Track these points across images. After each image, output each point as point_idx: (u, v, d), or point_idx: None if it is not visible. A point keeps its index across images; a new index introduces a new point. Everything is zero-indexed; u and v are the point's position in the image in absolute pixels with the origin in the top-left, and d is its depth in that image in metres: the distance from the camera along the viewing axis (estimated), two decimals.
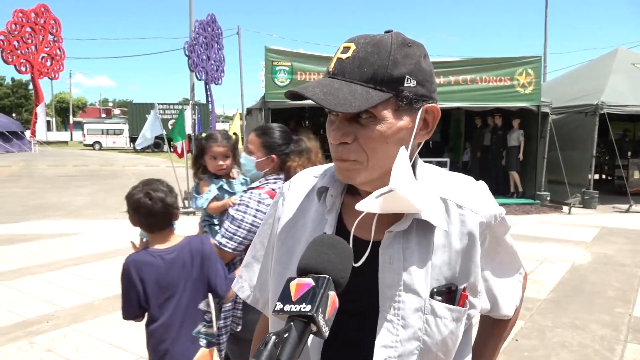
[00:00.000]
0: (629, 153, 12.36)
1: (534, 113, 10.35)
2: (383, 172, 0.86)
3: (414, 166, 0.94)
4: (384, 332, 0.86)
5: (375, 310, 0.88)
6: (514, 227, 8.30)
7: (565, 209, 10.20)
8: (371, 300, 0.89)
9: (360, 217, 0.88)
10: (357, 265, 0.86)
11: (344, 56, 0.85)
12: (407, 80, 0.84)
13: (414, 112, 0.86)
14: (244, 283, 1.12)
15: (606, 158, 14.54)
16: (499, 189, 11.38)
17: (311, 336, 0.86)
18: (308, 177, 1.04)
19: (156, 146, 32.21)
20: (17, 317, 4.18)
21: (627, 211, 10.20)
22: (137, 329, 3.93)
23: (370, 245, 0.89)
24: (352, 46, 0.85)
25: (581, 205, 10.59)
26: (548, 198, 10.65)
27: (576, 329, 4.09)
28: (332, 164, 0.97)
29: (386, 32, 0.88)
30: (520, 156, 10.73)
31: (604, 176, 15.30)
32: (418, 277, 0.87)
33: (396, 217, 0.90)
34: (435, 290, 0.88)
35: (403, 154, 0.85)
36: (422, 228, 0.89)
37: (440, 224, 0.89)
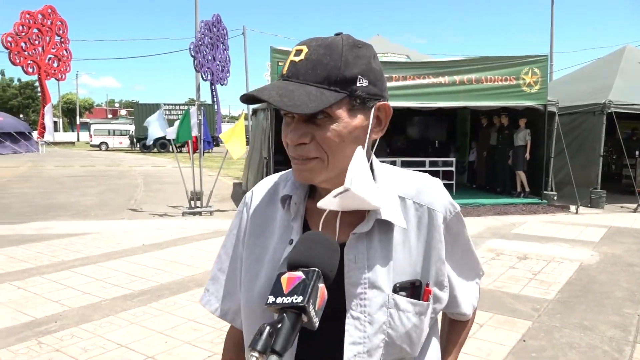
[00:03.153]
0: (637, 152, 12.27)
1: (541, 112, 10.30)
2: (341, 170, 0.88)
3: (371, 165, 0.97)
4: (352, 330, 0.90)
5: (339, 310, 0.91)
6: (521, 227, 8.33)
7: (573, 208, 10.14)
8: (336, 300, 0.90)
9: (323, 217, 0.91)
10: None
11: (297, 59, 0.87)
12: (360, 80, 0.86)
13: (367, 110, 0.89)
14: (211, 296, 1.11)
15: (614, 157, 14.44)
16: (506, 188, 11.35)
17: None
18: (269, 185, 1.07)
19: (162, 146, 32.38)
20: (26, 317, 4.21)
21: (635, 210, 10.14)
22: (146, 329, 3.96)
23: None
24: (305, 49, 0.87)
25: (589, 205, 10.52)
26: (555, 198, 10.60)
27: (584, 329, 4.07)
28: (290, 170, 0.99)
29: (336, 34, 0.91)
30: (527, 156, 10.69)
31: (611, 175, 15.21)
32: (381, 274, 0.91)
33: (360, 219, 0.93)
34: (398, 285, 0.92)
35: (360, 153, 0.87)
36: (383, 227, 0.93)
37: (399, 222, 0.93)
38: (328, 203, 0.87)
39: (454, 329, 1.16)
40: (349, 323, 0.90)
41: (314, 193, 0.99)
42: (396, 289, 0.91)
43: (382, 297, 0.90)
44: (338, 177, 0.89)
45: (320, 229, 0.91)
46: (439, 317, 1.05)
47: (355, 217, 0.93)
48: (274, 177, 1.08)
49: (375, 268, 0.91)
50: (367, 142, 0.91)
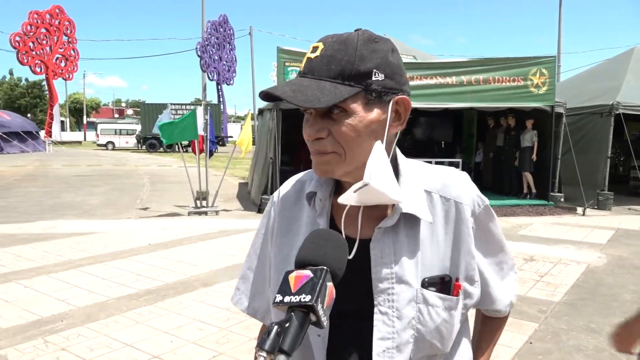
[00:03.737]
0: None
1: (548, 113, 10.24)
2: (359, 164, 0.89)
3: (395, 159, 0.97)
4: (380, 325, 0.90)
5: (366, 307, 0.91)
6: (527, 229, 8.29)
7: (580, 210, 10.08)
8: (364, 296, 0.91)
9: (345, 212, 0.91)
10: (348, 257, 0.89)
11: (312, 55, 0.88)
12: (375, 74, 0.86)
13: (385, 104, 0.89)
14: (242, 295, 1.14)
15: (621, 159, 14.35)
16: (512, 190, 11.29)
17: (316, 339, 0.91)
18: (295, 183, 1.08)
19: (168, 146, 32.44)
20: (33, 316, 4.23)
21: None
22: (152, 329, 3.96)
23: (357, 241, 0.92)
24: (321, 45, 0.88)
25: (596, 207, 10.46)
26: (562, 199, 10.53)
27: (592, 332, 4.04)
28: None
29: (355, 30, 0.91)
30: (534, 157, 10.63)
31: (619, 177, 15.11)
32: (409, 268, 0.91)
33: (385, 213, 0.93)
34: (427, 280, 0.91)
35: (378, 147, 0.88)
36: (409, 221, 0.92)
37: (424, 216, 0.92)
38: (348, 198, 0.87)
39: (488, 326, 1.14)
40: (377, 318, 0.90)
41: (339, 189, 0.98)
42: (425, 284, 0.91)
43: (411, 292, 0.90)
44: (358, 171, 0.89)
45: (342, 225, 0.92)
46: (470, 313, 1.03)
47: (380, 211, 0.93)
48: (299, 176, 1.09)
49: (402, 262, 0.91)
50: (386, 136, 0.90)
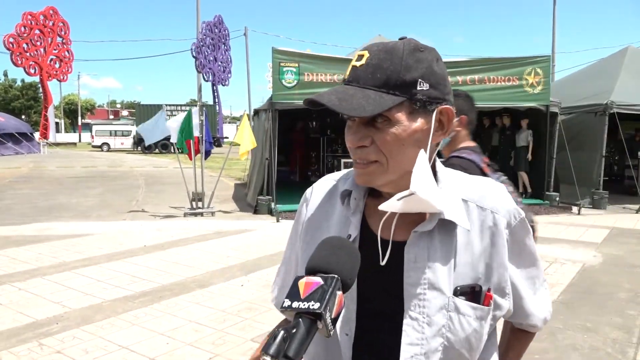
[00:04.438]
0: (639, 153, 12.25)
1: (543, 113, 10.28)
2: (402, 174, 0.89)
3: (433, 167, 0.96)
4: (410, 330, 0.89)
5: (395, 310, 0.90)
6: None
7: (575, 209, 10.12)
8: (392, 299, 0.91)
9: (385, 218, 0.91)
10: (382, 264, 0.90)
11: (358, 64, 0.88)
12: (420, 84, 0.86)
13: (429, 114, 0.89)
14: (275, 286, 1.18)
15: (616, 158, 14.41)
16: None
17: (344, 338, 0.91)
18: (330, 182, 1.08)
19: (164, 147, 32.40)
20: (27, 319, 4.21)
21: (638, 211, 10.10)
22: (147, 331, 3.95)
23: (390, 244, 0.91)
24: (366, 54, 0.88)
25: (591, 206, 10.50)
26: (557, 198, 10.57)
27: (587, 331, 4.05)
28: (351, 170, 1.00)
29: (400, 39, 0.91)
30: (529, 156, 10.66)
31: (613, 176, 15.18)
32: (442, 275, 0.90)
33: (420, 218, 0.92)
34: (458, 288, 0.90)
35: (423, 157, 0.88)
36: (445, 228, 0.92)
37: (463, 224, 0.91)
38: (391, 206, 0.87)
39: (517, 339, 1.14)
40: (407, 323, 0.89)
41: (374, 191, 0.98)
42: (457, 292, 0.90)
43: (442, 299, 0.89)
44: (399, 181, 0.89)
45: (380, 230, 0.92)
46: (499, 324, 1.02)
47: (415, 215, 0.92)
48: (334, 175, 1.09)
49: (435, 269, 0.90)
50: (430, 145, 0.90)
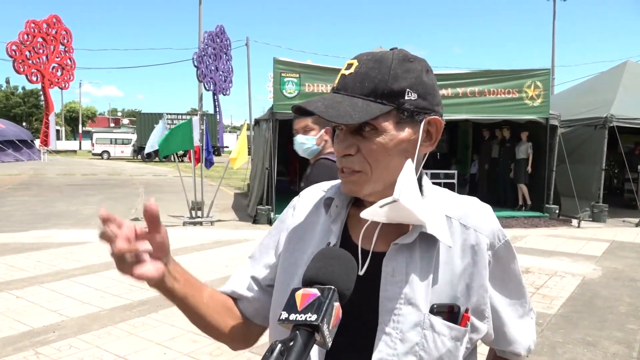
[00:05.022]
0: (639, 166, 12.27)
1: (543, 126, 10.32)
2: (387, 184, 0.88)
3: (419, 179, 0.95)
4: (382, 345, 0.86)
5: (369, 323, 0.88)
6: (522, 241, 8.29)
7: (575, 222, 10.11)
8: (371, 312, 0.89)
9: (365, 227, 0.89)
10: (359, 274, 0.86)
11: (347, 72, 0.89)
12: (408, 94, 0.86)
13: (416, 124, 0.88)
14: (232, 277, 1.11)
15: (615, 171, 14.43)
16: (507, 201, 11.32)
17: (314, 349, 0.86)
18: (317, 191, 1.06)
19: (164, 156, 32.40)
20: (24, 327, 4.18)
21: (638, 225, 10.08)
22: (145, 340, 3.92)
23: (370, 255, 0.89)
24: (355, 63, 0.89)
25: (590, 219, 10.49)
26: (557, 211, 10.56)
27: (587, 345, 4.03)
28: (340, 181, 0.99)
29: (391, 49, 0.91)
30: (529, 169, 10.68)
31: (613, 189, 15.19)
32: (419, 291, 0.87)
33: (401, 230, 0.90)
34: (435, 306, 0.88)
35: (409, 166, 0.87)
36: (426, 242, 0.90)
37: (445, 240, 0.90)
38: (373, 213, 0.86)
39: None
40: (379, 338, 0.87)
41: (359, 201, 0.97)
42: (433, 310, 0.87)
43: (418, 316, 0.87)
44: (385, 191, 0.88)
45: (360, 239, 0.90)
46: (482, 349, 0.99)
47: (397, 227, 0.90)
48: (323, 184, 1.08)
49: (413, 284, 0.87)
50: (417, 156, 0.89)
